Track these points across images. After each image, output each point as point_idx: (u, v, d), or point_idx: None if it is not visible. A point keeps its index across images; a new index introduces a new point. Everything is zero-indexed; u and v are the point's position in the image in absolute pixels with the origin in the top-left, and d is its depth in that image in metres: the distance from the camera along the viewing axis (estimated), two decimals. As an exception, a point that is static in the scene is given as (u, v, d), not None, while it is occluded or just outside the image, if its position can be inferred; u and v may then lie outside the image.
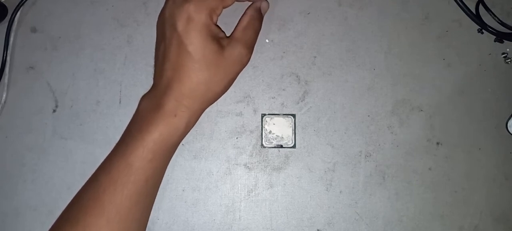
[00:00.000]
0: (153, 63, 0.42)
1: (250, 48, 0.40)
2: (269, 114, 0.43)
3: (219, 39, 0.38)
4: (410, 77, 0.43)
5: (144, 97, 0.39)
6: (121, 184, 0.36)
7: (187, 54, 0.36)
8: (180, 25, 0.36)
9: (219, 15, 0.38)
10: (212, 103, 0.40)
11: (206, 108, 0.40)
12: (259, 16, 0.41)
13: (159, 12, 0.41)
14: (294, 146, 0.42)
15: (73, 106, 0.43)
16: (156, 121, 0.36)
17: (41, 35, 0.44)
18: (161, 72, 0.38)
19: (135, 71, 0.43)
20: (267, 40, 0.44)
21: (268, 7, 0.42)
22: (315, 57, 0.44)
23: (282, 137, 0.43)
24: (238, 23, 0.40)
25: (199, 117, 0.39)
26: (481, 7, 0.43)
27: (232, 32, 0.40)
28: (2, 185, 0.42)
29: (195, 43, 0.36)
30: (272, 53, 0.43)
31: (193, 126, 0.39)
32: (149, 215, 0.39)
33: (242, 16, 0.40)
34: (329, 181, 0.42)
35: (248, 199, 0.42)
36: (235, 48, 0.38)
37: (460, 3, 0.43)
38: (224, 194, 0.42)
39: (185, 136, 0.39)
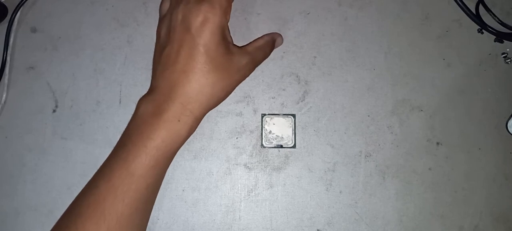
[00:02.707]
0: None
1: (255, 66, 0.41)
2: (269, 114, 0.43)
3: (228, 43, 0.38)
4: (410, 77, 0.43)
5: (142, 100, 0.38)
6: (122, 192, 0.35)
7: (199, 55, 0.36)
8: (194, 26, 0.36)
9: (230, 14, 0.39)
10: (212, 109, 0.40)
11: (206, 113, 0.39)
12: (272, 46, 0.43)
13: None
14: (294, 146, 0.42)
15: (73, 106, 0.43)
16: (158, 127, 0.36)
17: (41, 35, 0.44)
18: (164, 75, 0.37)
19: (135, 71, 0.43)
20: (267, 40, 0.44)
21: (282, 43, 0.44)
22: (315, 57, 0.44)
23: (282, 137, 0.43)
24: (252, 42, 0.42)
25: (199, 123, 0.39)
26: (481, 7, 0.43)
27: (245, 46, 0.41)
28: (2, 185, 0.42)
29: (209, 44, 0.36)
30: (272, 53, 0.43)
31: (194, 131, 0.39)
32: (149, 218, 0.39)
33: (257, 39, 0.42)
34: (329, 181, 0.42)
35: (248, 199, 0.42)
36: (245, 58, 0.39)
37: (460, 3, 0.43)
38: (224, 194, 0.42)
39: (185, 141, 0.38)
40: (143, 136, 0.36)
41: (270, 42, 0.42)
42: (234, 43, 0.42)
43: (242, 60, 0.39)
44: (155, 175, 0.37)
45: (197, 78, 0.36)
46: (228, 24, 0.43)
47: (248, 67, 0.40)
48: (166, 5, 0.40)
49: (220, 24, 0.37)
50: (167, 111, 0.36)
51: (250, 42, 0.42)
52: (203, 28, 0.36)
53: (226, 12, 0.38)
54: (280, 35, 0.44)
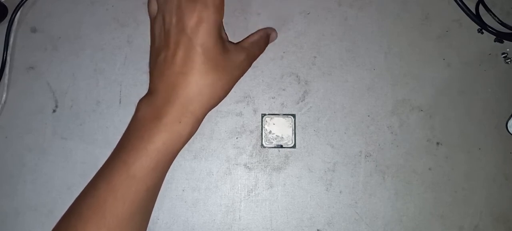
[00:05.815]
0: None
1: (252, 62, 0.41)
2: (269, 114, 0.43)
3: (224, 41, 0.38)
4: (410, 77, 0.43)
5: (142, 102, 0.38)
6: (122, 194, 0.35)
7: (197, 56, 0.36)
8: (190, 27, 0.36)
9: (223, 10, 0.38)
10: (213, 108, 0.39)
11: (207, 113, 0.39)
12: (267, 41, 0.43)
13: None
14: (294, 146, 0.42)
15: (73, 106, 0.43)
16: (159, 129, 0.36)
17: (41, 35, 0.44)
18: (162, 78, 0.37)
19: (135, 71, 0.43)
20: (267, 40, 0.44)
21: (276, 38, 0.44)
22: (315, 57, 0.44)
23: (282, 137, 0.43)
24: (247, 37, 0.42)
25: (200, 123, 0.39)
26: (481, 7, 0.43)
27: (240, 42, 0.42)
28: (2, 185, 0.42)
29: (206, 44, 0.36)
30: (272, 53, 0.43)
31: (196, 131, 0.38)
32: (149, 219, 0.39)
33: (252, 34, 0.42)
34: (329, 181, 0.42)
35: (248, 199, 0.42)
36: (241, 54, 0.39)
37: (460, 3, 0.43)
38: (224, 194, 0.42)
39: (187, 142, 0.38)
40: (143, 139, 0.36)
41: (265, 37, 0.42)
42: (234, 43, 0.42)
43: (239, 57, 0.39)
44: (155, 177, 0.36)
45: (196, 79, 0.36)
46: (229, 23, 0.43)
47: (245, 63, 0.40)
48: (154, 6, 0.40)
49: (215, 23, 0.36)
50: (167, 115, 0.36)
51: (245, 38, 0.42)
52: (198, 28, 0.36)
53: (220, 9, 0.37)
54: (274, 30, 0.43)
